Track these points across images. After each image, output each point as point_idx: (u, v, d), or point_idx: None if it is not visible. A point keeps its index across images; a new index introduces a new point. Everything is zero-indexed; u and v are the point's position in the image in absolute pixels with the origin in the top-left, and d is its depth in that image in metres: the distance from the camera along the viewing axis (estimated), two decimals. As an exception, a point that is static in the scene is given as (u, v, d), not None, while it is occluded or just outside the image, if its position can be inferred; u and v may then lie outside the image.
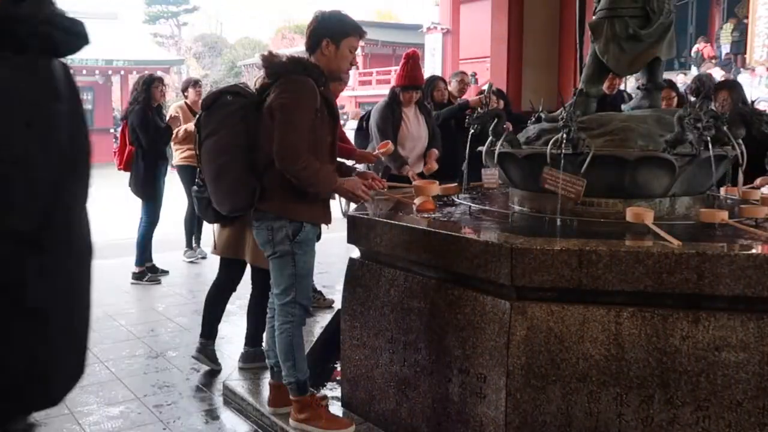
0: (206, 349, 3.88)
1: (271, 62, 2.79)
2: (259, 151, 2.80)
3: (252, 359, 3.73)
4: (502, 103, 6.36)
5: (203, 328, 3.90)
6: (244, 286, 6.01)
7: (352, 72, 4.57)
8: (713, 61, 15.33)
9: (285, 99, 2.69)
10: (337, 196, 3.21)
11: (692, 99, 4.79)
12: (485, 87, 8.85)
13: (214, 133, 2.78)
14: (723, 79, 5.20)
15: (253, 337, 3.80)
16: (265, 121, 2.77)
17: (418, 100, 4.94)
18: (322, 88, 2.80)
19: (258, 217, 2.87)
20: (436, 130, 5.04)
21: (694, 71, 15.79)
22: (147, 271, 6.01)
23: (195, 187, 3.76)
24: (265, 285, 3.73)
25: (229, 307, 5.20)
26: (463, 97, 6.37)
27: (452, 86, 6.30)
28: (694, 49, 16.38)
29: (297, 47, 29.05)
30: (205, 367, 3.92)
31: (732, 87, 4.83)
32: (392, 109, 4.80)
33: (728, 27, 16.04)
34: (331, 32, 2.80)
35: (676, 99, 5.07)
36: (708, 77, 6.78)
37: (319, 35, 2.81)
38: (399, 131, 4.79)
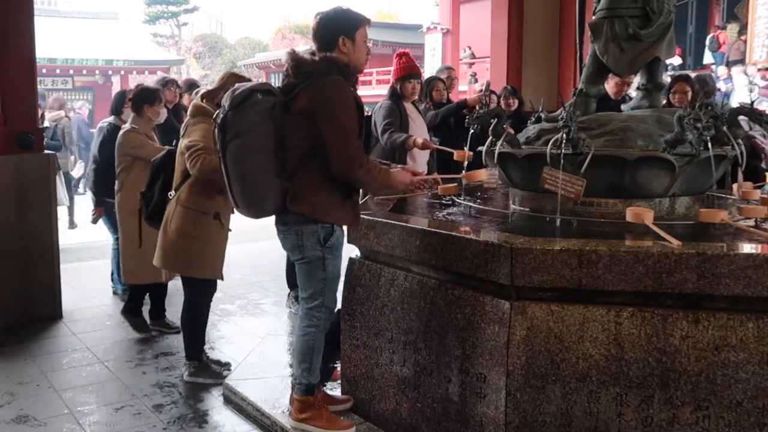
0: (199, 371, 3.79)
1: (301, 61, 2.76)
2: (288, 151, 2.75)
3: (196, 373, 3.76)
4: (516, 102, 6.36)
5: (187, 350, 3.83)
6: (244, 286, 5.99)
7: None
8: (743, 37, 15.33)
9: (329, 105, 2.69)
10: None
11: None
12: (484, 86, 8.84)
13: (245, 132, 2.68)
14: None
15: (186, 348, 3.81)
16: (295, 122, 2.73)
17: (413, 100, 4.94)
18: (351, 88, 2.82)
19: (286, 221, 2.82)
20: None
21: (707, 57, 15.88)
22: None
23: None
24: (190, 293, 3.77)
25: (229, 307, 5.23)
26: (452, 92, 6.38)
27: None
28: (710, 35, 16.46)
29: (297, 47, 29.03)
30: (205, 367, 3.91)
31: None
32: (397, 105, 4.80)
33: (734, 27, 16.09)
34: (344, 28, 2.79)
35: (690, 94, 5.00)
36: (710, 77, 6.77)
37: (333, 34, 2.79)
38: (408, 124, 4.80)
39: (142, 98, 4.54)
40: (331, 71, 2.73)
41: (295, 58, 2.79)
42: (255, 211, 2.82)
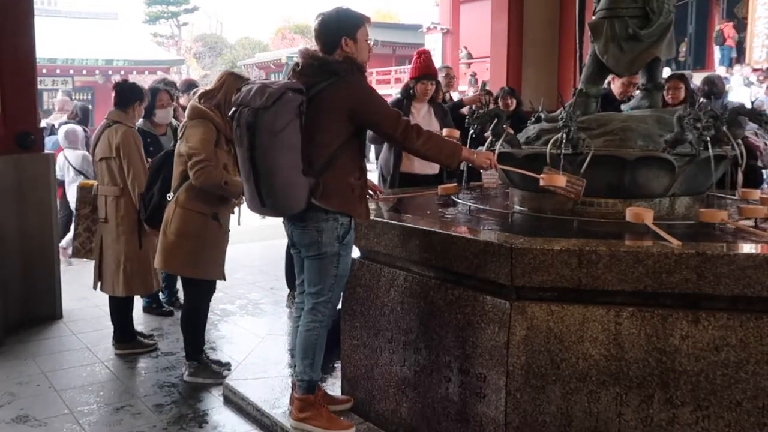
0: (199, 371, 3.79)
1: (326, 61, 2.79)
2: (315, 148, 2.75)
3: (196, 373, 3.76)
4: (514, 102, 6.36)
5: (186, 351, 3.84)
6: (244, 286, 5.99)
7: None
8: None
9: (369, 98, 2.79)
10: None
11: (702, 100, 4.79)
12: (480, 86, 8.79)
13: (279, 131, 2.66)
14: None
15: (187, 348, 3.81)
16: (324, 119, 2.74)
17: (432, 98, 4.91)
18: None
19: (305, 217, 2.81)
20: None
21: (716, 52, 15.92)
22: None
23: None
24: (191, 295, 3.76)
25: (229, 307, 5.23)
26: (451, 92, 6.37)
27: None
28: (716, 28, 16.53)
29: (297, 47, 29.02)
30: (205, 367, 3.91)
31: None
32: (401, 104, 4.79)
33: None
34: (346, 29, 2.82)
35: (683, 91, 4.98)
36: (718, 78, 6.77)
37: (335, 35, 2.81)
38: None
39: (134, 94, 4.21)
40: (353, 71, 2.79)
41: (316, 57, 2.81)
42: (283, 208, 2.79)
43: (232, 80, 3.58)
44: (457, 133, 3.92)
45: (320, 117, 2.74)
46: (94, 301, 5.22)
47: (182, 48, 38.81)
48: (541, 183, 2.82)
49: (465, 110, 6.11)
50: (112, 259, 4.15)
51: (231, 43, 43.10)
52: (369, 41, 2.91)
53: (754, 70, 13.06)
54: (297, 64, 2.85)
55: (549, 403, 2.36)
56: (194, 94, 3.79)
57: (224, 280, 3.79)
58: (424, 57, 4.90)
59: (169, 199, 3.64)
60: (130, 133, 4.13)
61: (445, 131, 3.92)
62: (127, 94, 4.20)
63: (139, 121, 4.83)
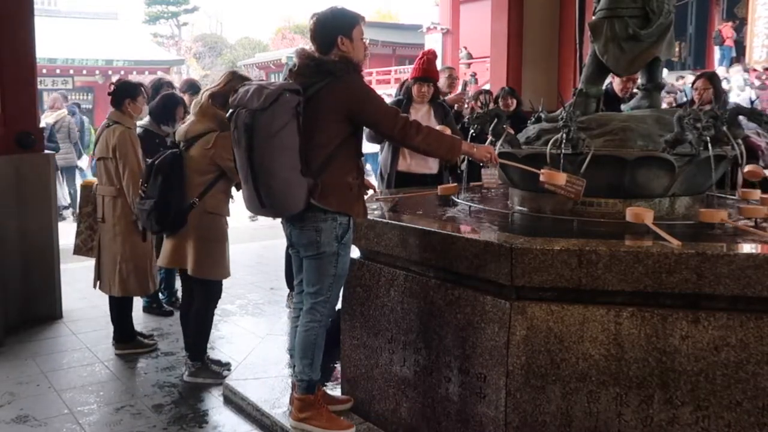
0: (199, 371, 3.79)
1: (322, 61, 2.79)
2: (313, 149, 2.76)
3: (196, 374, 3.77)
4: (515, 102, 6.37)
5: (191, 351, 3.82)
6: (244, 286, 5.99)
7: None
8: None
9: (366, 97, 2.80)
10: None
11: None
12: (485, 87, 8.81)
13: (276, 132, 2.66)
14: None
15: (194, 349, 3.81)
16: (322, 119, 2.75)
17: (433, 98, 4.90)
18: None
19: (304, 217, 2.81)
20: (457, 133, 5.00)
21: (716, 53, 15.96)
22: None
23: (137, 199, 3.74)
24: (206, 296, 3.77)
25: (229, 307, 5.23)
26: (453, 93, 6.37)
27: (440, 82, 6.26)
28: (715, 29, 16.61)
29: (297, 47, 29.02)
30: (205, 367, 3.91)
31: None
32: (399, 104, 4.77)
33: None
34: (341, 28, 2.82)
35: (711, 91, 4.93)
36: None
37: (331, 35, 2.81)
38: None
39: (123, 92, 4.17)
40: (350, 70, 2.79)
41: (312, 57, 2.81)
42: (282, 209, 2.79)
43: (239, 82, 3.56)
44: (448, 130, 3.93)
45: (318, 117, 2.75)
46: (94, 301, 5.22)
47: (182, 48, 38.79)
48: (541, 178, 2.82)
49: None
50: (109, 258, 4.15)
51: (231, 43, 43.09)
52: (365, 40, 2.91)
53: (750, 70, 13.06)
54: (294, 65, 2.85)
55: (549, 403, 2.36)
56: (203, 93, 3.75)
57: (229, 275, 3.83)
58: (426, 59, 4.84)
59: (195, 205, 3.60)
60: (127, 133, 4.10)
61: (438, 128, 3.92)
62: (117, 93, 4.19)
63: (145, 121, 4.83)
